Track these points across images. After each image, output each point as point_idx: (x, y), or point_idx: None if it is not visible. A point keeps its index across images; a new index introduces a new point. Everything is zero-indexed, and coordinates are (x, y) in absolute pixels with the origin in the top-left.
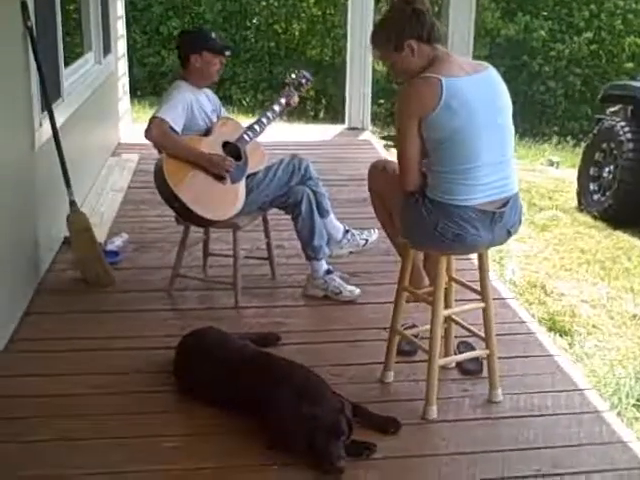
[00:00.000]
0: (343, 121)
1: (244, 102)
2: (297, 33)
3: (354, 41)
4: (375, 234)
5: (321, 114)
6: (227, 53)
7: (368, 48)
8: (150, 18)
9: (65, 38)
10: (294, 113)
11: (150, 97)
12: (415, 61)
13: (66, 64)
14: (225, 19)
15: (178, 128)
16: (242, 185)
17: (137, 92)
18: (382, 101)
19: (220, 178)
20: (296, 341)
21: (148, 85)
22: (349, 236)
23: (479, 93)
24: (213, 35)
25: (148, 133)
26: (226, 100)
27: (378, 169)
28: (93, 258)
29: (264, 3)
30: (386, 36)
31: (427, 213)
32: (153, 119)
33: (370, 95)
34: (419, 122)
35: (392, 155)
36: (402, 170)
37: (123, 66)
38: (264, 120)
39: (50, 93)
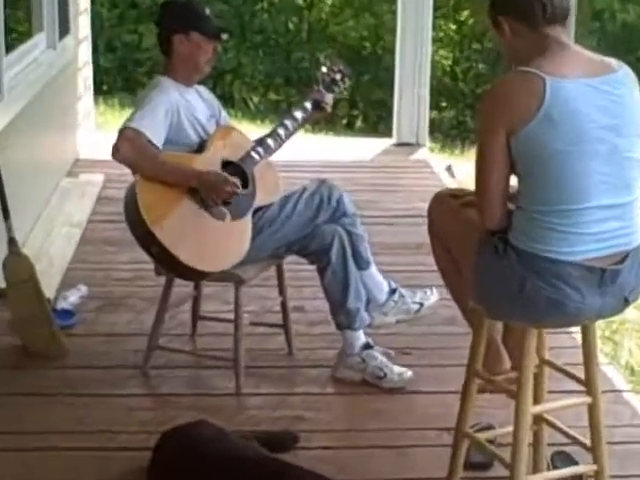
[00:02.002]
0: (389, 134)
1: (251, 104)
2: (327, 8)
3: (406, 19)
4: (434, 295)
5: (358, 123)
6: (224, 37)
7: (425, 29)
8: None
9: (6, 13)
10: (321, 121)
11: (121, 94)
12: (521, 45)
13: (7, 49)
14: None
15: (158, 142)
16: (248, 223)
17: (103, 87)
18: (444, 104)
19: (217, 212)
20: (320, 444)
21: (118, 77)
22: (397, 297)
23: (598, 104)
24: (207, 11)
25: (117, 150)
26: (226, 101)
27: (442, 203)
28: (38, 319)
29: None
30: (488, 6)
31: (510, 268)
32: (124, 130)
33: (428, 98)
34: (507, 136)
35: (462, 183)
36: (481, 202)
37: (85, 52)
38: (281, 132)
39: None
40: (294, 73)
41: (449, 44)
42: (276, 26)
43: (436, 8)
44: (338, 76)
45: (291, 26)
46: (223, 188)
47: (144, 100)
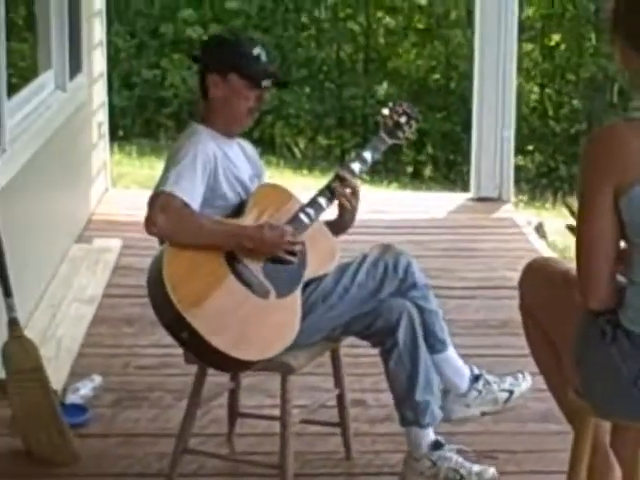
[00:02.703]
0: (466, 186)
1: (296, 150)
2: (387, 34)
3: (486, 45)
4: (527, 381)
5: (426, 171)
6: (265, 83)
7: (509, 56)
8: (142, 11)
9: (8, 49)
10: (380, 170)
11: (140, 140)
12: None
13: (9, 92)
14: (262, 10)
15: (196, 206)
16: (297, 299)
17: (119, 132)
18: (531, 147)
19: (259, 288)
20: None
21: (137, 120)
22: (481, 385)
23: None
24: (255, 51)
25: (153, 223)
26: (266, 146)
27: (536, 274)
28: (44, 417)
29: None
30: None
31: (622, 356)
32: (159, 197)
33: (513, 142)
34: (616, 195)
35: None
36: (583, 275)
37: (100, 93)
38: (334, 188)
39: None
40: (348, 112)
41: (537, 75)
42: (325, 57)
43: (520, 30)
44: (403, 119)
45: (343, 56)
46: (281, 240)
47: (178, 154)
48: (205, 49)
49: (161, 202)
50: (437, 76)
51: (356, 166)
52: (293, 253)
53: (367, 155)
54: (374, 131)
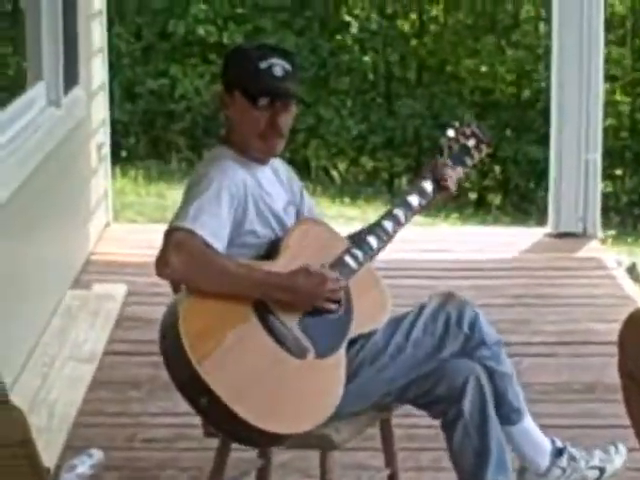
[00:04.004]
0: (543, 220)
1: (335, 174)
2: (445, 35)
3: (565, 48)
4: (620, 456)
5: (494, 200)
6: (261, 102)
7: (595, 61)
8: (147, 7)
9: None
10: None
11: (147, 162)
12: None
13: None
14: (299, 10)
15: (221, 247)
16: (340, 360)
17: (121, 153)
18: (619, 171)
19: (295, 347)
20: None
21: (144, 137)
22: (565, 462)
23: None
24: (264, 63)
25: (166, 264)
26: (300, 170)
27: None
28: None
29: None
30: None
31: None
32: (174, 233)
33: (600, 166)
34: None
35: None
36: None
37: (101, 108)
38: (388, 226)
39: None
40: (399, 130)
41: (628, 83)
42: (371, 64)
43: (607, 29)
44: (471, 142)
45: (394, 61)
46: (322, 289)
47: (201, 183)
48: (224, 62)
49: (177, 239)
50: (507, 86)
51: (414, 199)
52: (337, 301)
53: (428, 186)
54: (433, 154)
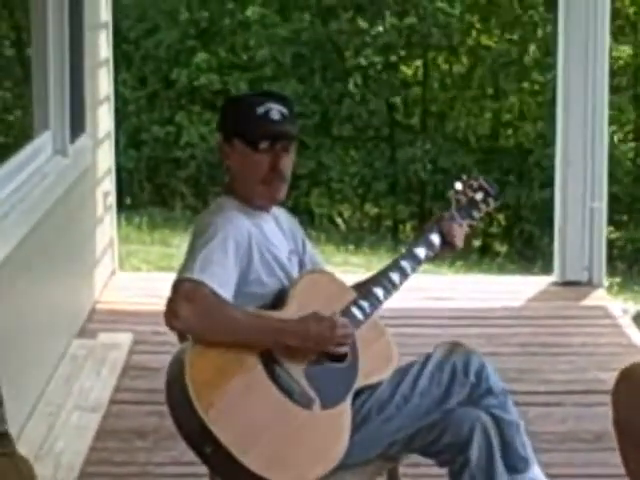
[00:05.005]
0: (548, 268)
1: (339, 221)
2: (446, 81)
3: (570, 94)
4: None
5: (498, 248)
6: (262, 145)
7: (600, 111)
8: (150, 56)
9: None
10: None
11: (151, 209)
12: None
13: (0, 158)
14: (302, 58)
15: (229, 296)
16: (346, 411)
17: (126, 200)
18: (625, 217)
19: (301, 397)
20: None
21: (148, 184)
22: None
23: None
24: (260, 109)
25: (175, 316)
26: (302, 218)
27: (636, 383)
28: None
29: (380, 28)
30: None
31: None
32: (182, 285)
33: (606, 213)
34: None
35: None
36: None
37: (107, 156)
38: (395, 277)
39: None
40: (401, 177)
41: (631, 129)
42: (373, 111)
43: (611, 74)
44: (479, 195)
45: (396, 110)
46: (332, 334)
47: (206, 234)
48: (220, 115)
49: (186, 291)
50: (510, 133)
51: (421, 251)
52: (340, 357)
53: (435, 238)
54: (439, 204)
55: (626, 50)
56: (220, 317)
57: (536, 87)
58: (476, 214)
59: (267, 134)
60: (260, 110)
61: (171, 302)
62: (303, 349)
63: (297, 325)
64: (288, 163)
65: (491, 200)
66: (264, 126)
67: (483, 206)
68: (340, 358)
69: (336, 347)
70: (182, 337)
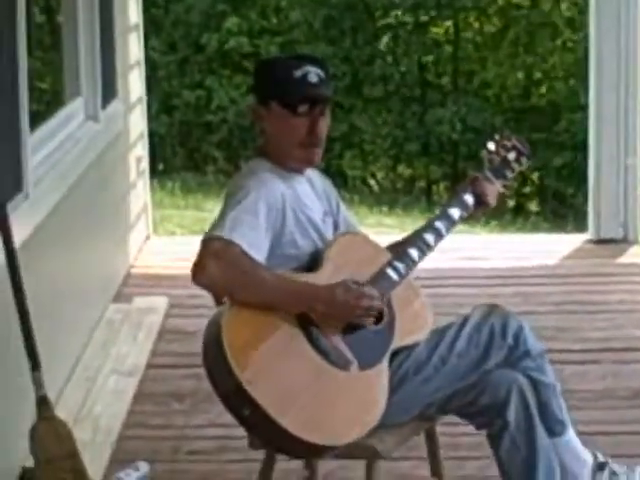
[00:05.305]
0: (582, 226)
1: (372, 182)
2: (478, 40)
3: (603, 49)
4: None
5: (532, 207)
6: (301, 109)
7: (634, 65)
8: (180, 21)
9: (30, 72)
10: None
11: (184, 174)
12: None
13: (33, 125)
14: (332, 21)
15: (260, 257)
16: (383, 372)
17: (158, 166)
18: None
19: (339, 359)
20: None
21: (181, 149)
22: (606, 476)
23: None
24: (298, 72)
25: (202, 271)
26: (335, 181)
27: None
28: None
29: None
30: None
31: None
32: (210, 242)
33: None
34: None
35: None
36: None
37: (139, 121)
38: (429, 238)
39: (1, 184)
40: (433, 138)
41: None
42: (404, 72)
43: None
44: (512, 155)
45: (427, 66)
46: (358, 303)
47: (238, 194)
48: (254, 79)
49: (215, 248)
50: (542, 90)
51: (456, 212)
52: (377, 318)
53: (469, 198)
54: (472, 163)
55: None
56: (247, 276)
57: (569, 45)
58: (509, 174)
59: (306, 97)
60: (297, 73)
61: (199, 258)
62: (330, 316)
63: (324, 291)
64: (325, 126)
65: (524, 159)
66: (302, 89)
67: (516, 165)
68: (376, 320)
69: (361, 318)
70: (218, 300)
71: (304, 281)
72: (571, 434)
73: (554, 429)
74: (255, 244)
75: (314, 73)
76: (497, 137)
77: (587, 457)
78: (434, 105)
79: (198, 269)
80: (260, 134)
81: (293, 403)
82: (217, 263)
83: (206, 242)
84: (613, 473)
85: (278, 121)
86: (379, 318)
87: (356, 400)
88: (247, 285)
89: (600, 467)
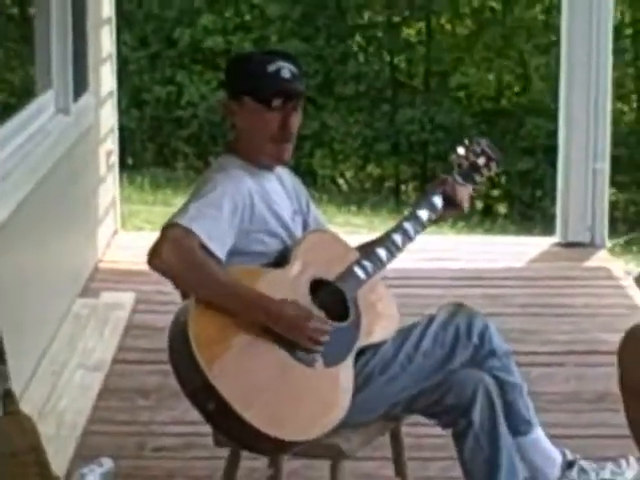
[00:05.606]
0: (550, 229)
1: (341, 182)
2: (449, 41)
3: (574, 56)
4: (632, 469)
5: (500, 209)
6: (275, 103)
7: (604, 74)
8: (153, 16)
9: (2, 66)
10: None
11: (153, 170)
12: None
13: (2, 117)
14: (307, 18)
15: (220, 251)
16: (348, 370)
17: (127, 160)
18: (625, 179)
19: (304, 355)
20: None
21: (150, 144)
22: (575, 474)
23: None
24: (271, 67)
25: (157, 255)
26: (305, 179)
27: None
28: None
29: None
30: None
31: None
32: (170, 229)
33: (608, 174)
34: None
35: None
36: None
37: (110, 115)
38: (397, 239)
39: None
40: (403, 137)
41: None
42: (377, 71)
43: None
44: (481, 160)
45: (399, 65)
46: (310, 328)
47: (204, 187)
48: (226, 74)
49: (174, 235)
50: (513, 95)
51: (424, 214)
52: (319, 343)
53: (438, 200)
54: (441, 165)
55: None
56: (199, 270)
57: (541, 49)
58: (478, 178)
59: (280, 92)
60: (271, 68)
61: (156, 243)
62: (273, 329)
63: (273, 304)
64: (297, 122)
65: (493, 165)
66: (276, 84)
67: (485, 170)
68: (342, 318)
69: (307, 341)
70: (185, 295)
71: (256, 291)
72: (539, 433)
73: (520, 428)
74: (216, 237)
75: (287, 69)
76: (467, 142)
77: (556, 455)
78: (404, 105)
79: (154, 253)
80: (231, 129)
81: (257, 398)
82: (173, 250)
83: (166, 229)
84: (582, 470)
85: (251, 116)
86: (344, 314)
87: (320, 396)
88: (197, 278)
89: (569, 465)
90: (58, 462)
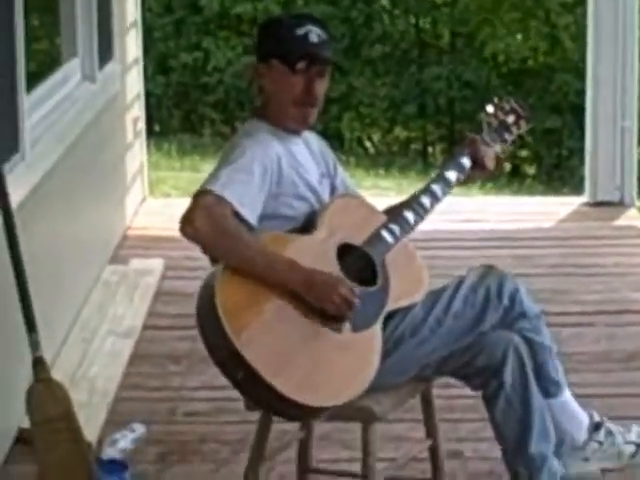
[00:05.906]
0: (579, 189)
1: (369, 144)
2: (475, 2)
3: (601, 15)
4: None
5: (528, 170)
6: (299, 65)
7: (630, 29)
8: None
9: (27, 33)
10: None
11: (180, 136)
12: None
13: (29, 86)
14: None
15: (251, 217)
16: (377, 334)
17: (154, 127)
18: None
19: (332, 321)
20: None
21: (177, 111)
22: (602, 436)
23: None
24: (300, 30)
25: (190, 223)
26: (332, 142)
27: None
28: (76, 475)
29: None
30: None
31: None
32: (202, 196)
33: (636, 133)
34: None
35: None
36: None
37: (136, 82)
38: (425, 201)
39: None
40: (430, 98)
41: None
42: (402, 33)
43: None
44: (510, 118)
45: (424, 32)
46: (338, 296)
47: (233, 153)
48: (256, 37)
49: (205, 203)
50: (541, 54)
51: (452, 175)
52: (347, 311)
53: (466, 161)
54: (470, 127)
55: None
56: (232, 239)
57: (568, 8)
58: (508, 137)
59: (305, 55)
60: (300, 31)
61: (189, 211)
62: (304, 296)
63: (303, 271)
64: (321, 88)
65: (523, 123)
66: (303, 47)
67: (515, 129)
68: (370, 282)
69: (337, 308)
70: (213, 260)
71: (287, 258)
72: (567, 395)
73: (549, 390)
74: (247, 203)
75: (315, 33)
76: (496, 100)
77: (583, 418)
78: (430, 64)
79: (186, 221)
80: (258, 94)
81: (286, 365)
82: (205, 217)
83: (197, 196)
84: (609, 432)
85: (277, 78)
86: (372, 279)
87: (349, 361)
88: (229, 246)
89: (596, 427)
90: (90, 429)
